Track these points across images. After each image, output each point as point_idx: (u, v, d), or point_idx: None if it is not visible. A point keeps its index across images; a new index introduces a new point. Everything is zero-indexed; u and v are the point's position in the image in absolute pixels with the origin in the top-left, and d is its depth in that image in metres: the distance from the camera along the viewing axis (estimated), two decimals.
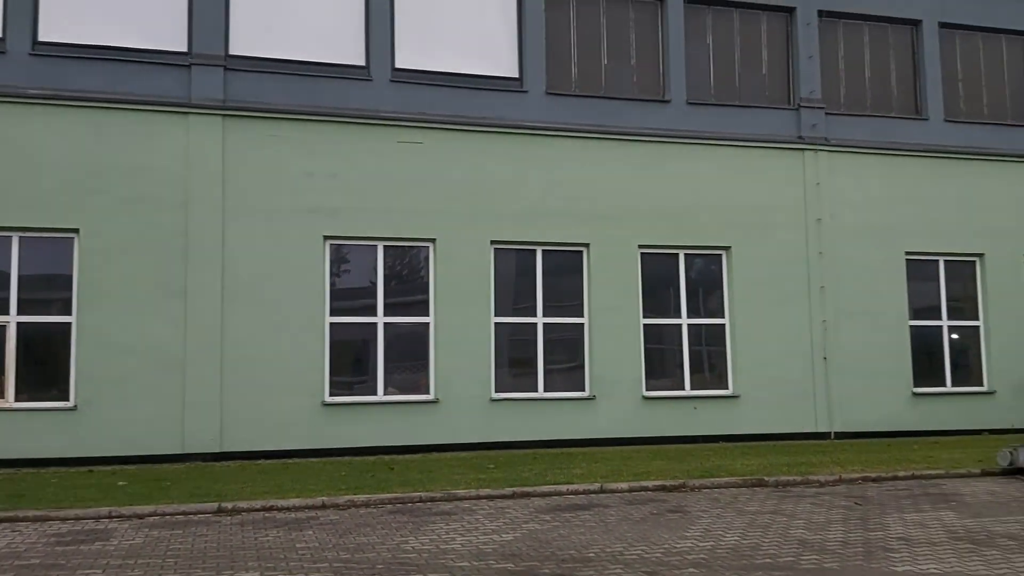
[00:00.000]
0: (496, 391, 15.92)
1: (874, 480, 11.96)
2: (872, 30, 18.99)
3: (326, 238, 15.54)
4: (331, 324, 15.47)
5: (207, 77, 15.30)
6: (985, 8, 19.34)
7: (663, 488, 11.36)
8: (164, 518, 9.72)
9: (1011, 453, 12.42)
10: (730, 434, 16.66)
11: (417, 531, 8.84)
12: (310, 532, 8.86)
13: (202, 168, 15.03)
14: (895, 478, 12.08)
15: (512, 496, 10.90)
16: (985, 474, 12.42)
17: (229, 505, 10.09)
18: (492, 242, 16.20)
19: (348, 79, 16.03)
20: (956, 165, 18.62)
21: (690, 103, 17.60)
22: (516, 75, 16.92)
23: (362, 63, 16.22)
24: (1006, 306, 18.52)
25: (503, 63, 16.95)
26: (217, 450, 14.56)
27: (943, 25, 19.11)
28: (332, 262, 15.70)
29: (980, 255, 18.59)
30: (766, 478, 11.74)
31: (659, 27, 17.77)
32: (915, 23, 19.05)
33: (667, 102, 17.49)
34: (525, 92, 16.78)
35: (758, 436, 16.73)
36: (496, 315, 16.14)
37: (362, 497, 10.55)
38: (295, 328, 15.09)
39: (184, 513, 9.93)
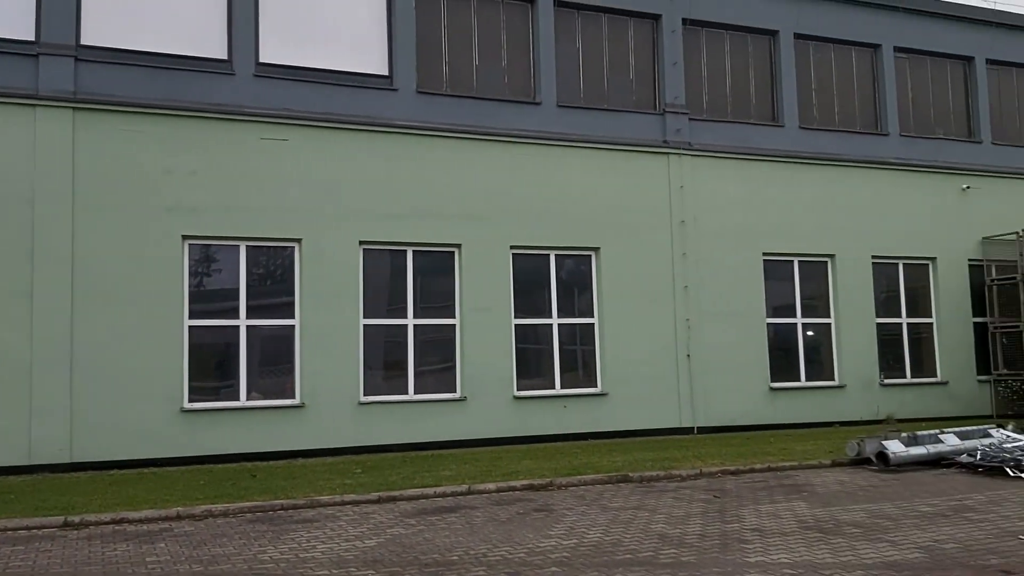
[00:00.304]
0: (365, 394, 15.65)
1: (732, 473, 12.39)
2: (733, 39, 19.69)
3: (185, 238, 14.91)
4: (190, 327, 14.85)
5: (56, 68, 14.43)
6: (837, 21, 20.36)
7: (531, 487, 11.42)
8: (6, 534, 9.11)
9: (858, 444, 13.10)
10: (599, 431, 16.92)
11: (277, 540, 8.57)
12: (162, 545, 8.46)
13: (49, 164, 14.16)
14: (752, 470, 12.54)
15: (378, 501, 10.72)
16: (835, 465, 13.05)
17: (76, 518, 9.55)
18: (361, 242, 15.93)
19: (209, 73, 15.43)
20: (810, 170, 19.52)
21: (560, 106, 17.80)
22: (386, 73, 16.69)
23: (224, 56, 15.65)
24: (855, 304, 19.55)
25: (373, 60, 16.69)
26: (67, 460, 13.75)
27: (798, 36, 20.00)
28: (192, 263, 15.08)
29: (831, 256, 19.56)
30: (631, 474, 11.97)
31: (530, 29, 17.90)
32: (773, 33, 19.87)
33: (538, 104, 17.63)
34: (395, 90, 16.58)
35: (626, 432, 17.07)
36: (365, 317, 15.88)
37: (220, 506, 10.16)
38: (151, 331, 14.41)
39: (28, 528, 9.34)
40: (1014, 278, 20.12)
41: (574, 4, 18.19)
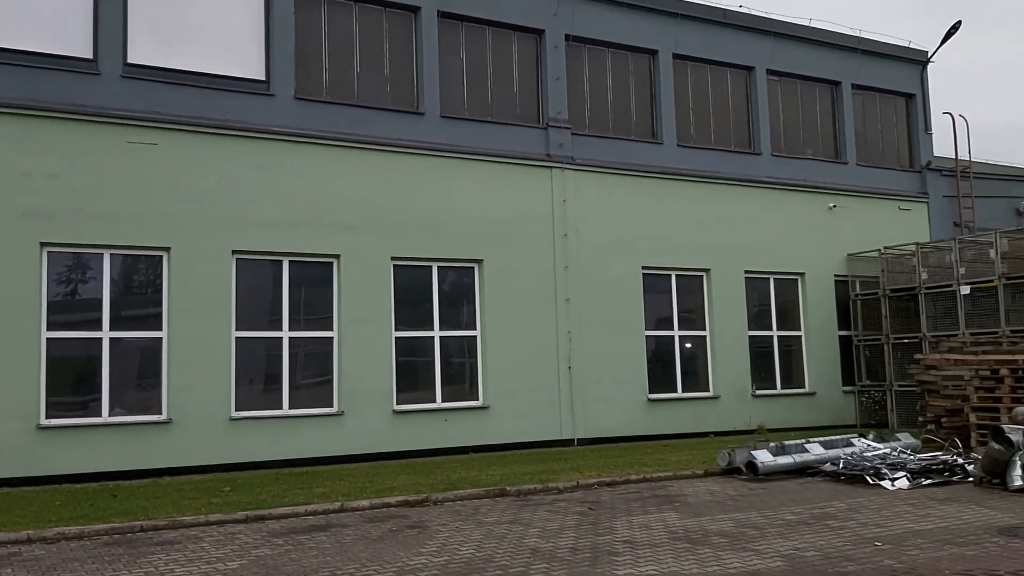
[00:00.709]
0: (236, 409, 15.10)
1: (608, 484, 12.49)
2: (614, 57, 20.05)
3: (43, 245, 14.08)
4: (48, 339, 14.01)
5: None
6: (714, 43, 21.00)
7: (406, 503, 11.21)
8: None
9: (729, 454, 13.43)
10: (481, 445, 16.84)
11: (132, 564, 8.10)
12: (8, 571, 7.88)
13: None
14: (627, 481, 12.68)
15: (245, 520, 10.31)
16: (708, 474, 13.33)
17: None
18: (234, 252, 15.40)
19: (73, 72, 14.66)
20: (687, 187, 20.02)
21: (444, 116, 17.70)
22: (263, 77, 16.24)
23: (89, 56, 14.91)
24: (729, 317, 20.13)
25: (249, 64, 16.21)
26: None
27: (677, 56, 20.54)
28: (51, 271, 14.24)
29: (707, 270, 20.09)
30: (508, 488, 11.91)
31: (413, 38, 17.75)
32: (652, 53, 20.33)
33: (421, 114, 17.48)
34: (272, 96, 16.15)
35: (508, 445, 17.04)
36: (238, 329, 15.33)
37: (74, 528, 9.57)
38: (5, 344, 13.52)
39: None
40: (876, 293, 21.14)
41: (458, 16, 18.16)
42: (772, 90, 21.88)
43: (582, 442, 17.84)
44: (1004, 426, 12.01)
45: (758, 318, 20.88)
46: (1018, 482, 11.15)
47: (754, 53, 21.47)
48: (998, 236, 18.90)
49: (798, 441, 13.83)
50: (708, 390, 19.77)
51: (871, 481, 12.06)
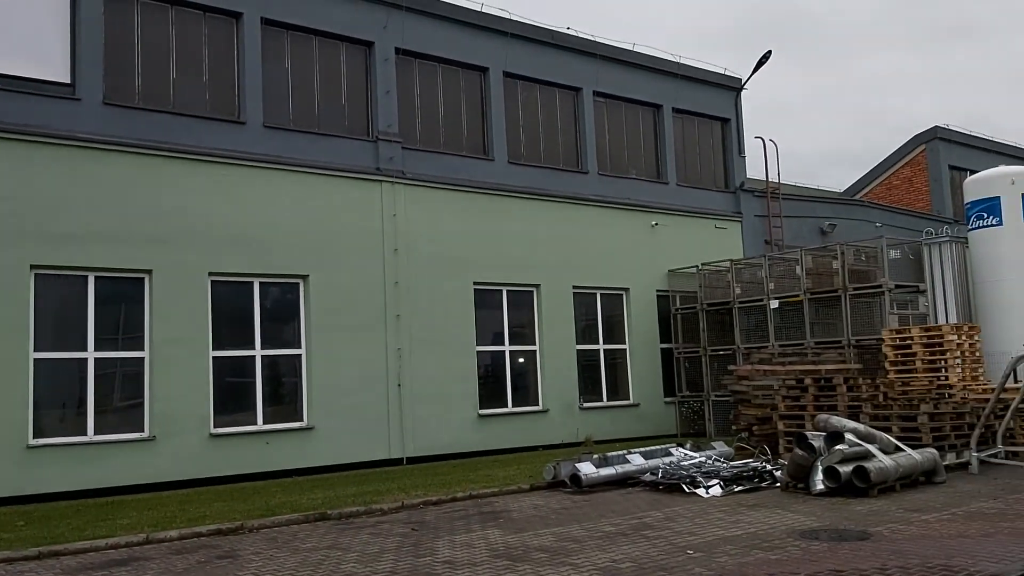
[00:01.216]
0: (34, 436, 13.93)
1: (434, 503, 12.32)
2: (446, 72, 20.06)
3: None
4: None
5: None
6: (544, 63, 21.38)
7: (219, 532, 10.63)
8: None
9: (554, 467, 13.57)
10: (306, 467, 16.29)
11: None
12: None
13: None
14: (454, 499, 12.56)
15: (38, 557, 9.47)
16: (533, 489, 13.42)
17: None
18: (33, 267, 14.25)
19: None
20: (518, 203, 20.26)
21: (267, 126, 17.11)
22: (68, 81, 15.17)
23: None
24: (558, 332, 20.48)
25: (52, 66, 15.10)
26: None
27: (507, 74, 20.79)
28: None
29: (537, 285, 20.37)
30: (329, 511, 11.52)
31: (235, 45, 17.09)
32: (483, 70, 20.49)
33: (242, 123, 16.83)
34: (78, 100, 15.09)
35: (334, 467, 16.57)
36: (37, 350, 14.17)
37: None
38: None
39: None
40: (695, 307, 22.10)
41: (283, 24, 17.65)
42: (598, 111, 22.52)
43: (412, 460, 17.60)
44: (808, 433, 12.73)
45: (585, 332, 21.36)
46: (819, 486, 11.83)
47: (581, 75, 22.04)
48: (803, 254, 20.19)
49: (620, 452, 14.16)
50: (538, 404, 20.01)
51: (687, 489, 12.48)
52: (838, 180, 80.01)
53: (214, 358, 15.87)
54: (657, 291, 22.57)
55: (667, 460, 14.03)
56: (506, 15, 20.69)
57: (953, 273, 27.16)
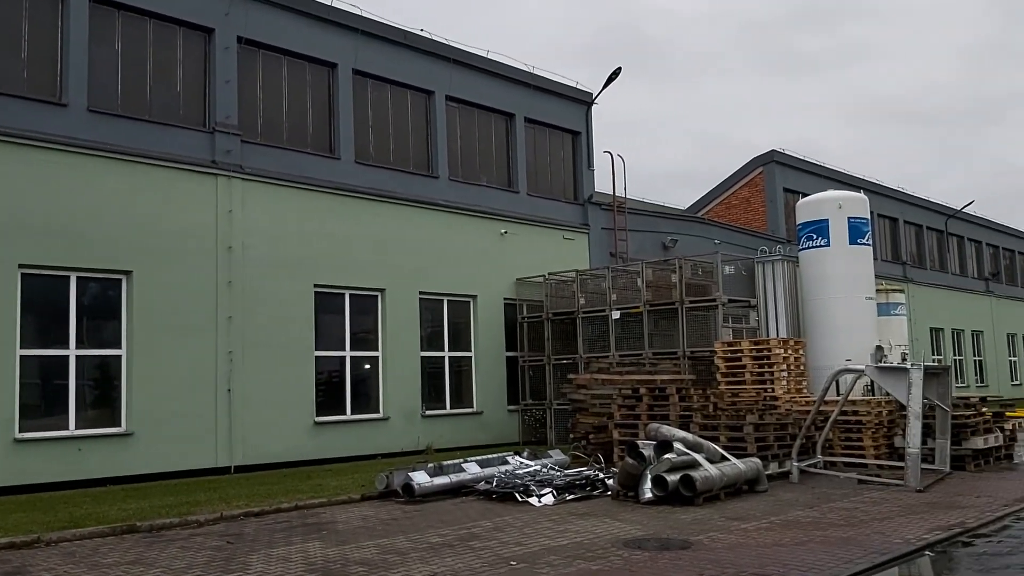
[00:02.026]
0: None
1: (256, 515, 11.69)
2: (291, 65, 19.34)
3: None
4: None
5: None
6: (396, 63, 20.99)
7: (11, 546, 9.68)
8: None
9: (387, 476, 13.19)
10: (124, 475, 15.21)
11: None
12: None
13: None
14: (278, 511, 11.96)
15: None
16: (365, 499, 12.98)
17: None
18: None
19: None
20: (364, 205, 19.74)
21: (92, 110, 15.94)
22: None
23: None
24: (402, 338, 20.08)
25: None
26: None
27: (357, 72, 20.26)
28: None
29: (382, 290, 19.91)
30: (139, 523, 10.71)
31: (59, 22, 15.84)
32: (332, 65, 19.88)
33: (64, 106, 15.62)
34: None
35: (154, 476, 15.54)
36: None
37: None
38: None
39: None
40: (540, 316, 22.21)
41: (114, 3, 16.52)
42: (451, 116, 22.32)
43: (241, 469, 16.75)
44: (639, 442, 12.89)
45: (431, 339, 21.06)
46: (648, 495, 11.96)
47: (434, 77, 21.78)
48: (644, 266, 20.63)
49: (456, 461, 13.93)
50: (379, 411, 19.52)
51: (520, 498, 12.37)
52: (683, 199, 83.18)
53: (22, 357, 14.59)
54: (505, 299, 22.55)
55: (503, 469, 13.91)
56: (358, 11, 20.20)
57: (784, 290, 28.62)
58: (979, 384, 42.88)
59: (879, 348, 18.52)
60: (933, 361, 39.10)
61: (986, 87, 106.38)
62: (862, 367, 14.35)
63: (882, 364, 14.05)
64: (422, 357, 20.51)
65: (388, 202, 20.25)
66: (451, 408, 21.07)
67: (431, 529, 10.43)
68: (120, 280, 15.97)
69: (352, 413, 19.11)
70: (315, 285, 18.67)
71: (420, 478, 12.90)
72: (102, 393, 15.70)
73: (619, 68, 25.05)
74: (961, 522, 10.05)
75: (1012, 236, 49.49)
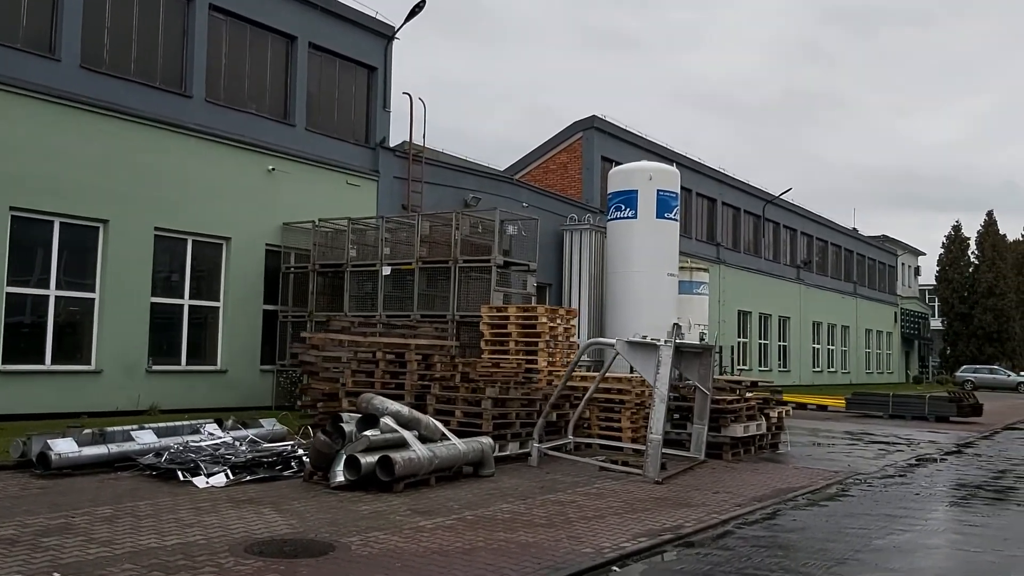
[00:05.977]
0: None
1: None
2: None
3: None
4: None
5: None
6: None
7: None
8: None
9: (23, 443, 10.54)
10: None
11: None
12: None
13: None
14: None
15: None
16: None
17: None
18: None
19: None
20: (90, 118, 16.61)
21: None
22: None
23: None
24: (128, 280, 17.05)
25: None
26: None
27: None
28: None
29: (105, 221, 16.77)
30: None
31: None
32: None
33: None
34: None
35: None
36: None
37: None
38: None
39: None
40: (307, 267, 19.75)
41: None
42: (215, 27, 19.30)
43: None
44: (344, 415, 10.77)
45: (167, 284, 18.17)
46: (339, 478, 9.89)
47: None
48: (420, 218, 18.53)
49: (127, 428, 11.37)
50: (89, 363, 16.56)
51: (183, 477, 10.03)
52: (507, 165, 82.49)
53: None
54: (267, 245, 19.89)
55: (190, 439, 11.46)
56: None
57: (590, 260, 27.34)
58: (782, 369, 43.61)
59: (677, 326, 17.14)
60: (738, 344, 39.28)
61: (799, 85, 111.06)
62: (612, 341, 12.75)
63: (632, 339, 12.49)
64: (152, 303, 17.58)
65: (123, 119, 17.15)
66: (187, 364, 18.28)
67: (33, 516, 7.95)
68: None
69: (53, 363, 16.06)
70: (11, 208, 15.46)
71: (64, 447, 10.30)
72: None
73: (423, 1, 22.67)
74: (678, 526, 8.47)
75: (826, 227, 50.69)
